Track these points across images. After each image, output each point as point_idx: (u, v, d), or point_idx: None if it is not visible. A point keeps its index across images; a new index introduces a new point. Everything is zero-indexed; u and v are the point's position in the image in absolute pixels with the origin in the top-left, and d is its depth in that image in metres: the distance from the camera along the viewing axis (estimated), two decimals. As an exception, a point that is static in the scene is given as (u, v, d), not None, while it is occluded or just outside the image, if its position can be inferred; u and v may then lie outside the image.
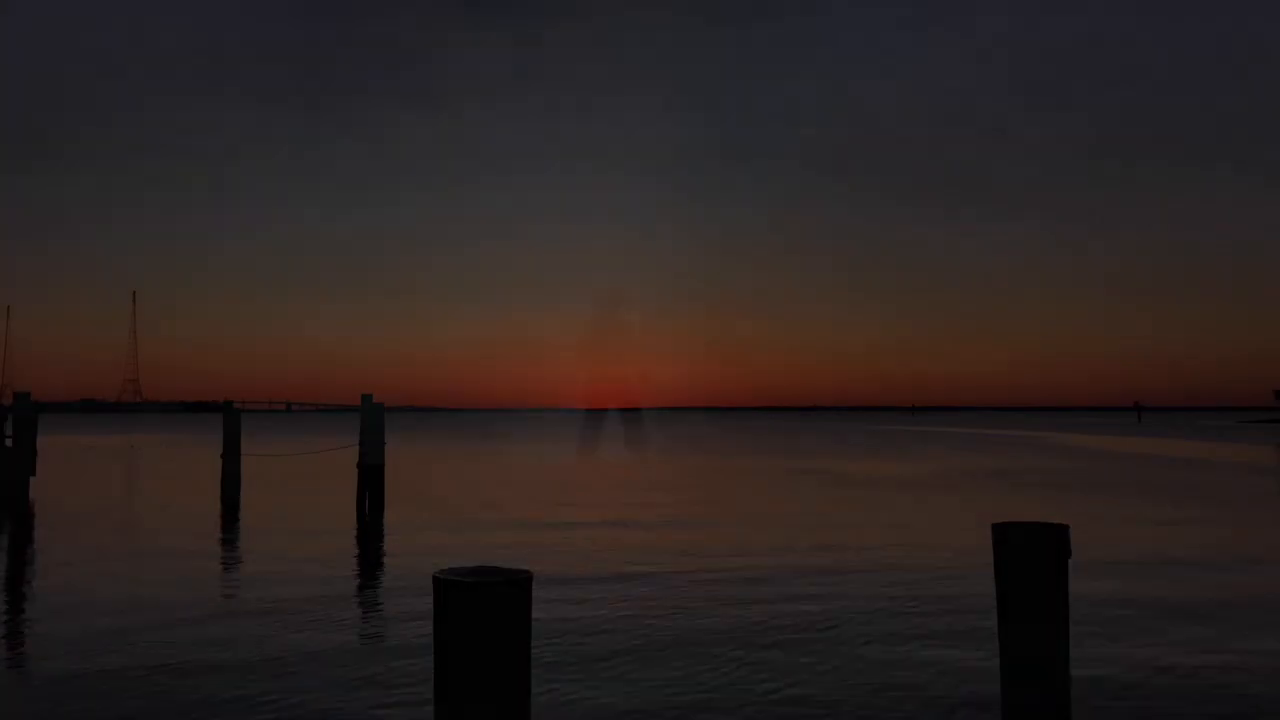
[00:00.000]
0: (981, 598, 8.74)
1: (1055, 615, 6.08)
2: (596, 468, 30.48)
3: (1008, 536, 6.11)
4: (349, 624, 8.13)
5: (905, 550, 12.14)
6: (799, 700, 5.92)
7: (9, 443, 18.31)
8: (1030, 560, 6.00)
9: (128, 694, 6.01)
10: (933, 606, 8.70)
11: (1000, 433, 65.38)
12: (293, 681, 6.28)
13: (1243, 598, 9.15)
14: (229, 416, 20.48)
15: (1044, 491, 20.80)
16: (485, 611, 3.55)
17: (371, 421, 17.88)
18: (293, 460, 29.24)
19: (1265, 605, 8.81)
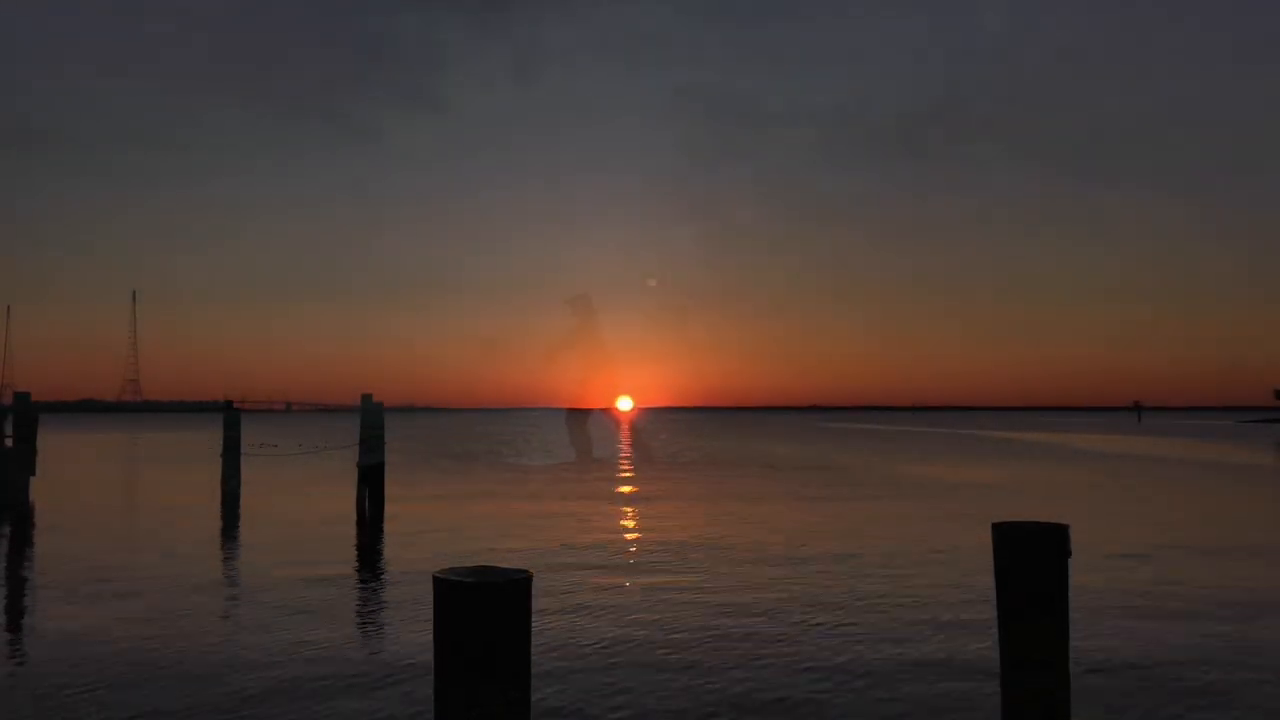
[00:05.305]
0: (981, 597, 8.74)
1: (1055, 614, 6.09)
2: (595, 467, 30.47)
3: (1008, 536, 6.11)
4: (349, 623, 8.14)
5: (904, 549, 12.14)
6: (798, 701, 5.92)
7: (9, 443, 18.32)
8: (1030, 560, 6.00)
9: (127, 693, 6.01)
10: (933, 606, 8.71)
11: (999, 434, 65.39)
12: (292, 681, 6.28)
13: (1241, 597, 9.15)
14: (229, 416, 20.51)
15: (1044, 491, 20.80)
16: (485, 611, 3.55)
17: (371, 421, 17.90)
18: (292, 460, 29.22)
19: (1264, 604, 8.82)
